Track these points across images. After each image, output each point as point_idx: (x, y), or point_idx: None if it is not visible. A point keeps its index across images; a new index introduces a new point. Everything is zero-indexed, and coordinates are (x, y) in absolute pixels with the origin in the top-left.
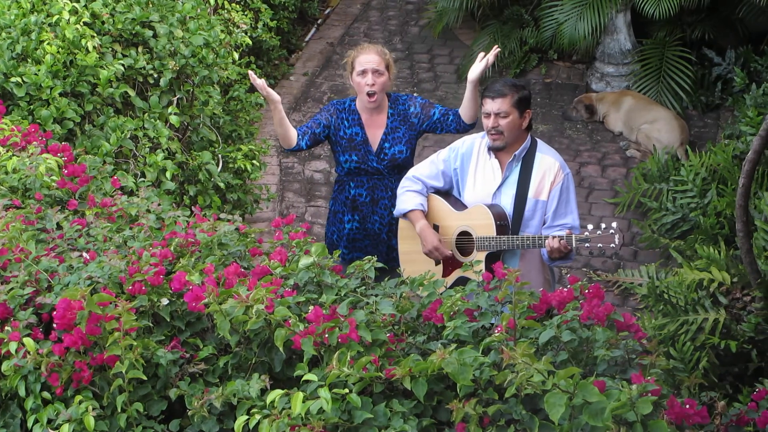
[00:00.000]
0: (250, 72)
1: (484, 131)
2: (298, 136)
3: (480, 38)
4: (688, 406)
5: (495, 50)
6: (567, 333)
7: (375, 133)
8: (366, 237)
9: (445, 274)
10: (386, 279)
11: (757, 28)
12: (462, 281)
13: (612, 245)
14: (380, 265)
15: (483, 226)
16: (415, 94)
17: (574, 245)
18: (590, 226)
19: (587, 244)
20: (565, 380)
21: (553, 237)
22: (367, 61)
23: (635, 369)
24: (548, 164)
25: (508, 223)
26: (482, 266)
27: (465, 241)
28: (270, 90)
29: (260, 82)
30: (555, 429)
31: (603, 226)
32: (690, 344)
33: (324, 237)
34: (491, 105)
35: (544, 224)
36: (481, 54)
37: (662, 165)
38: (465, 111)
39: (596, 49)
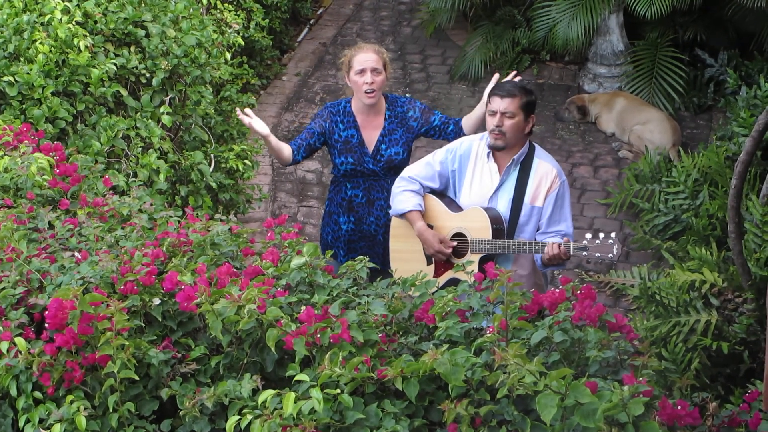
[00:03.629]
0: (237, 110)
1: (486, 131)
2: (293, 151)
3: (472, 39)
4: (679, 407)
5: (513, 75)
6: (559, 334)
7: (371, 134)
8: (362, 239)
9: (437, 274)
10: (378, 279)
11: (747, 28)
12: (453, 282)
13: (610, 255)
14: (372, 265)
15: (479, 229)
16: (408, 95)
17: (572, 253)
18: (588, 235)
19: (585, 253)
20: (556, 381)
21: (552, 244)
22: (366, 60)
23: (627, 370)
24: (545, 170)
25: (503, 227)
26: (474, 267)
27: (459, 243)
28: (258, 125)
29: (248, 121)
30: (547, 430)
31: (602, 235)
32: (682, 345)
33: (316, 237)
34: (499, 103)
35: (538, 230)
36: (497, 75)
37: (654, 166)
38: (470, 123)
39: (588, 50)
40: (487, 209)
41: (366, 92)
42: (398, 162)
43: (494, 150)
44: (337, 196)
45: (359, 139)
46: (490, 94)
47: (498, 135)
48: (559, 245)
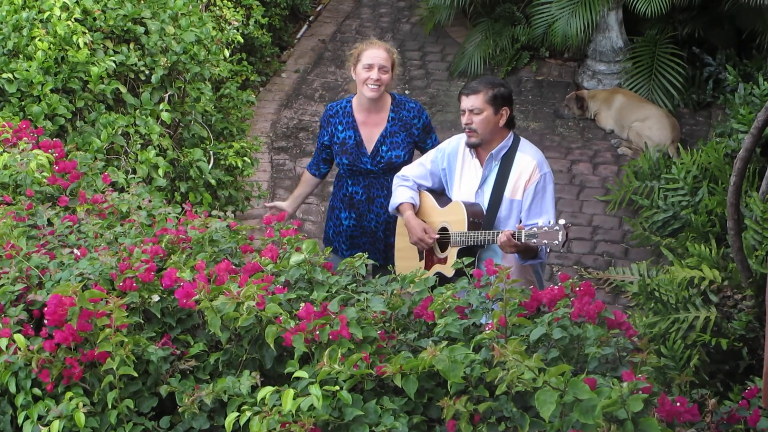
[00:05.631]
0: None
1: None
2: (314, 174)
3: (471, 35)
4: (678, 404)
5: None
6: (558, 330)
7: (371, 132)
8: (363, 234)
9: (426, 268)
10: (378, 276)
11: (746, 24)
12: (440, 276)
13: (555, 242)
14: (371, 262)
15: (457, 222)
16: (412, 99)
17: (523, 240)
18: (540, 222)
19: (534, 240)
20: (556, 378)
21: (505, 231)
22: (375, 57)
23: (626, 366)
24: (525, 163)
25: (481, 221)
26: (453, 259)
27: (444, 236)
28: (279, 205)
29: (275, 213)
30: (546, 426)
31: (551, 222)
32: (681, 342)
33: (315, 234)
34: (465, 102)
35: (520, 223)
36: None
37: (653, 163)
38: None
39: (588, 46)
40: (468, 204)
41: (368, 86)
42: (398, 164)
43: (471, 147)
44: (339, 191)
45: (356, 139)
46: (458, 94)
47: (470, 132)
48: (512, 233)
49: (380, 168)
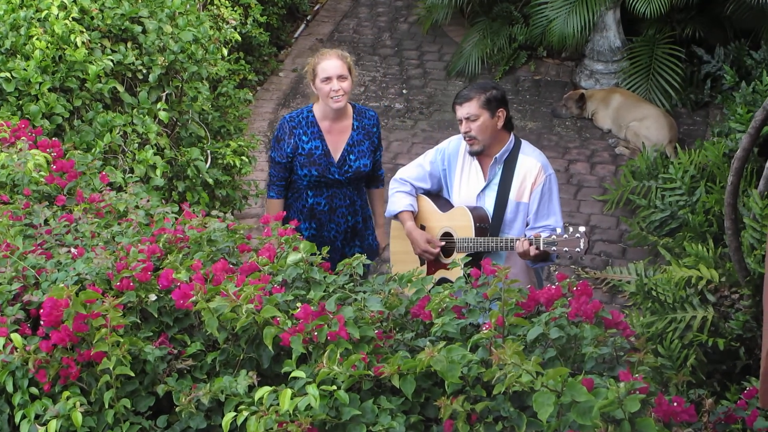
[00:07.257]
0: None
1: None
2: (282, 197)
3: (469, 35)
4: (675, 404)
5: None
6: (555, 330)
7: (337, 141)
8: (321, 244)
9: (428, 273)
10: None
11: (745, 26)
12: (445, 282)
13: (577, 249)
14: (369, 262)
15: (463, 228)
16: (373, 109)
17: (542, 248)
18: (559, 230)
19: (554, 248)
20: (553, 379)
21: (523, 240)
22: (331, 68)
23: (623, 366)
24: (529, 166)
25: (488, 226)
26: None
27: (448, 242)
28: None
29: None
30: (543, 426)
31: (570, 229)
32: (678, 342)
33: None
34: (460, 111)
35: (527, 226)
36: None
37: (651, 162)
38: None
39: (586, 46)
40: (473, 208)
41: (333, 98)
42: (364, 173)
43: (474, 155)
44: (296, 203)
45: (323, 149)
46: (452, 105)
47: (470, 141)
48: (530, 241)
49: (347, 177)
